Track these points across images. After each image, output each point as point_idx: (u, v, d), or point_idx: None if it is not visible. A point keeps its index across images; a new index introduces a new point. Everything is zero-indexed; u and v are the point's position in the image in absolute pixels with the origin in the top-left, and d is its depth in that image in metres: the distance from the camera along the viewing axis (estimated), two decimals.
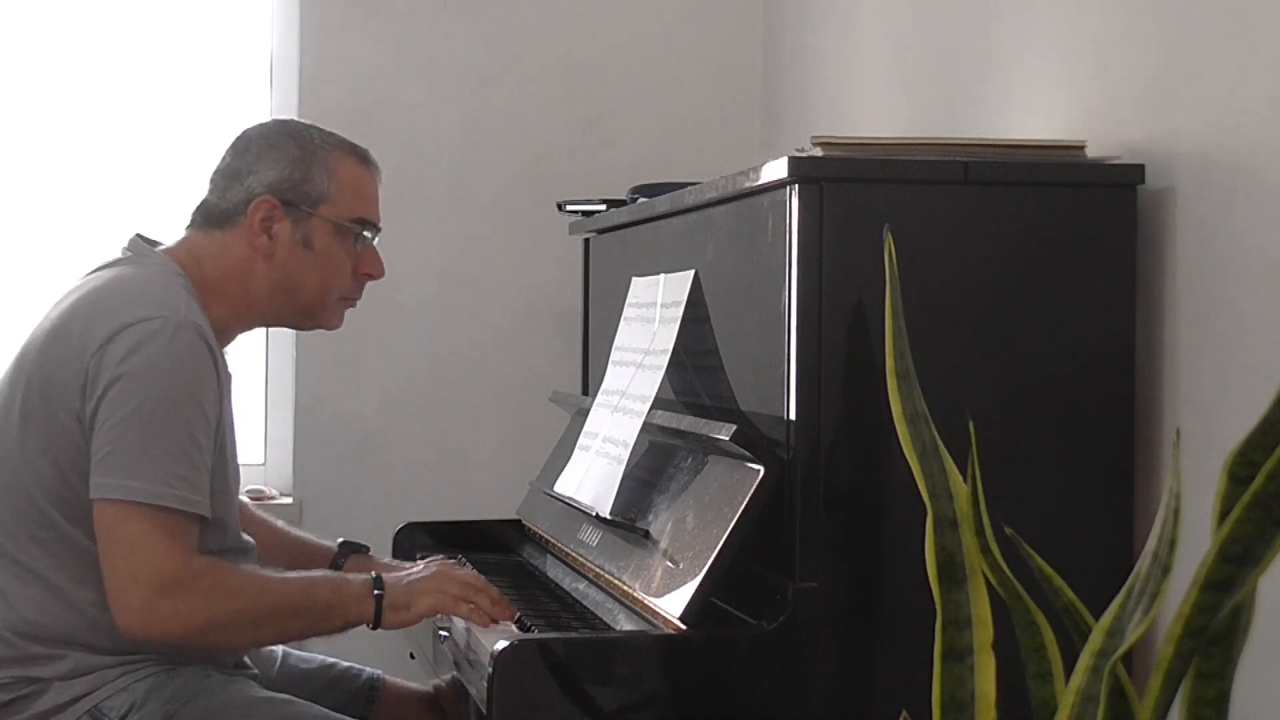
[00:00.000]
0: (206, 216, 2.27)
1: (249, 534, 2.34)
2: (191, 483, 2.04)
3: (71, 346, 2.09)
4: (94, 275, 2.24)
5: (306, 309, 2.31)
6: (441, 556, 2.49)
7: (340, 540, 2.56)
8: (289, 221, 2.24)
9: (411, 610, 2.18)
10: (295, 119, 2.36)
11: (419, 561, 2.40)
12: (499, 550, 2.88)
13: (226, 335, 2.25)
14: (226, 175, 2.27)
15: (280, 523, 2.59)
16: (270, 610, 2.11)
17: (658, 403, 2.27)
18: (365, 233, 2.29)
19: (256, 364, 3.58)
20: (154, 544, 2.01)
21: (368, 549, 2.56)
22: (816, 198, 1.98)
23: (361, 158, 2.32)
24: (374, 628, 2.17)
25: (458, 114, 3.60)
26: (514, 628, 2.18)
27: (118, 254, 2.27)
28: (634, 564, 2.17)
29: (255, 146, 2.28)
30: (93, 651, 2.10)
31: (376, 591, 2.16)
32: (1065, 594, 1.43)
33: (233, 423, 2.24)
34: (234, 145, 2.30)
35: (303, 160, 2.25)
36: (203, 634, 2.07)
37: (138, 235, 2.28)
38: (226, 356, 2.25)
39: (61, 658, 2.09)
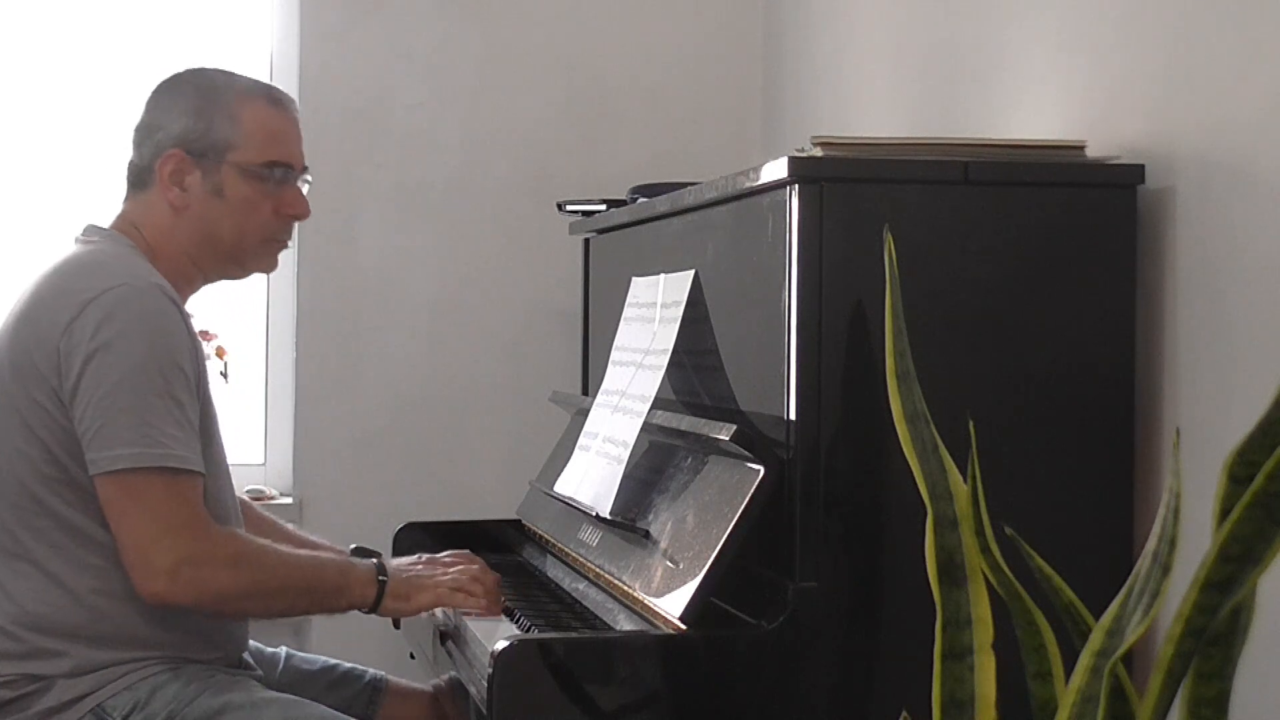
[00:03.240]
0: (131, 179, 2.28)
1: (257, 533, 2.35)
2: (183, 441, 2.06)
3: (40, 328, 2.10)
4: (52, 263, 2.23)
5: (231, 256, 2.28)
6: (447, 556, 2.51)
7: (353, 546, 2.56)
8: (199, 172, 2.23)
9: (410, 602, 2.23)
10: (208, 66, 2.32)
11: (422, 557, 2.42)
12: (499, 550, 2.88)
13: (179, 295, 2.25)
14: (140, 131, 2.27)
15: (290, 526, 2.59)
16: (284, 584, 2.14)
17: (658, 403, 2.27)
18: (279, 174, 2.26)
19: (256, 364, 3.59)
20: (172, 509, 2.03)
21: (379, 555, 2.56)
22: (816, 198, 1.98)
23: (271, 99, 2.28)
24: (370, 611, 2.21)
25: (458, 114, 3.60)
26: (514, 628, 2.18)
27: (73, 243, 2.27)
28: (634, 564, 2.17)
29: (163, 100, 2.27)
30: (95, 645, 2.10)
31: (381, 578, 2.20)
32: (1065, 594, 1.43)
33: (208, 385, 2.23)
34: (147, 100, 2.29)
35: (205, 109, 2.23)
36: (223, 601, 2.10)
37: (90, 225, 2.28)
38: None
39: (65, 654, 2.09)
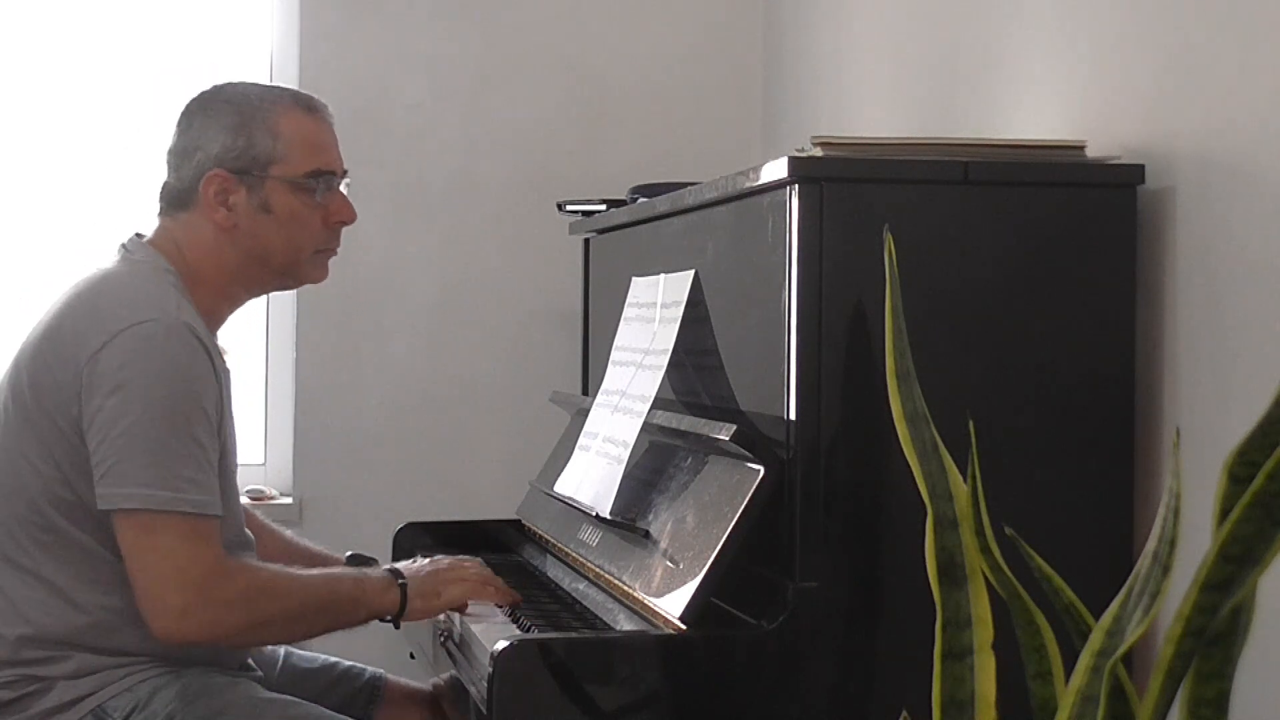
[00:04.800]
0: (169, 200, 2.24)
1: (257, 540, 2.34)
2: (200, 485, 2.04)
3: (65, 351, 2.08)
4: (86, 276, 2.22)
5: (284, 270, 2.27)
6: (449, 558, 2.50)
7: (349, 554, 2.55)
8: (244, 190, 2.19)
9: (441, 597, 2.21)
10: (236, 80, 2.28)
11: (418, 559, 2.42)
12: (499, 550, 2.88)
13: (217, 318, 2.24)
14: (176, 154, 2.24)
15: (289, 532, 2.59)
16: (301, 607, 2.12)
17: (658, 403, 2.26)
18: (324, 182, 2.24)
19: (256, 364, 3.58)
20: (185, 548, 2.01)
21: (376, 561, 2.56)
22: (816, 198, 1.98)
23: (306, 106, 2.25)
24: (398, 616, 2.18)
25: (458, 114, 3.60)
26: (514, 628, 2.18)
27: (115, 252, 2.25)
28: (634, 564, 2.17)
29: (197, 120, 2.22)
30: (97, 652, 2.10)
31: (400, 581, 2.18)
32: (1065, 594, 1.43)
33: (232, 418, 2.24)
34: (179, 121, 2.25)
35: (243, 125, 2.19)
36: (241, 634, 2.09)
37: (136, 234, 2.26)
38: (223, 354, 2.26)
39: (66, 658, 2.09)
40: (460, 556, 2.39)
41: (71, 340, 2.08)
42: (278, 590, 2.10)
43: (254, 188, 2.20)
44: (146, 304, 2.09)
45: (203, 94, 2.27)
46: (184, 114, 2.26)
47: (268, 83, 2.29)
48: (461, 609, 2.26)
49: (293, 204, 2.22)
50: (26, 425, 2.10)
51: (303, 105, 2.25)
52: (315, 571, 2.20)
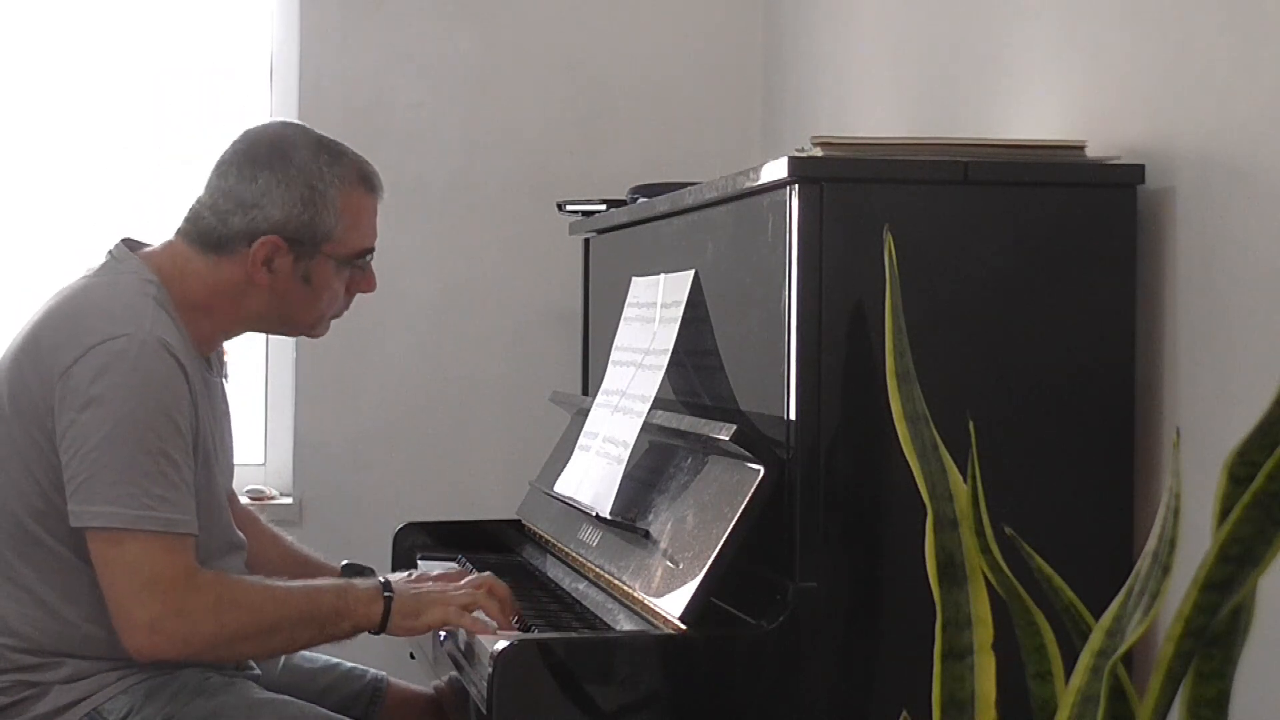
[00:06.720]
0: (201, 238, 2.18)
1: (254, 545, 2.34)
2: (171, 502, 2.02)
3: (41, 364, 2.07)
4: (68, 285, 2.20)
5: (298, 330, 2.32)
6: (443, 565, 2.49)
7: (344, 562, 2.54)
8: (292, 258, 2.17)
9: (420, 619, 2.16)
10: (303, 133, 2.23)
11: (412, 574, 2.40)
12: (499, 550, 2.88)
13: (209, 344, 2.22)
14: (230, 199, 2.16)
15: (288, 538, 2.57)
16: (277, 620, 2.09)
17: (658, 403, 2.26)
18: (364, 260, 2.25)
19: (256, 364, 3.59)
20: (152, 562, 2.00)
21: (372, 570, 2.54)
22: (816, 198, 1.98)
23: (368, 185, 2.23)
24: (379, 631, 2.15)
25: (458, 114, 3.60)
26: (515, 628, 2.17)
27: (102, 258, 2.21)
28: (634, 564, 2.17)
29: (263, 178, 2.15)
30: (90, 659, 2.09)
31: (386, 594, 2.14)
32: (1065, 594, 1.43)
33: (225, 426, 2.24)
34: (240, 164, 2.18)
35: (312, 200, 2.16)
36: (212, 648, 2.06)
37: (123, 240, 2.22)
38: (220, 364, 2.25)
39: (60, 664, 2.09)
40: (447, 570, 2.35)
41: (47, 353, 2.07)
42: (251, 603, 2.07)
43: (302, 258, 2.18)
44: (121, 318, 2.07)
45: (272, 144, 2.20)
46: (248, 160, 2.18)
47: (330, 140, 2.23)
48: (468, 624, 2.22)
49: (332, 279, 2.22)
50: (5, 438, 2.10)
51: (365, 182, 2.23)
52: (297, 583, 2.15)
